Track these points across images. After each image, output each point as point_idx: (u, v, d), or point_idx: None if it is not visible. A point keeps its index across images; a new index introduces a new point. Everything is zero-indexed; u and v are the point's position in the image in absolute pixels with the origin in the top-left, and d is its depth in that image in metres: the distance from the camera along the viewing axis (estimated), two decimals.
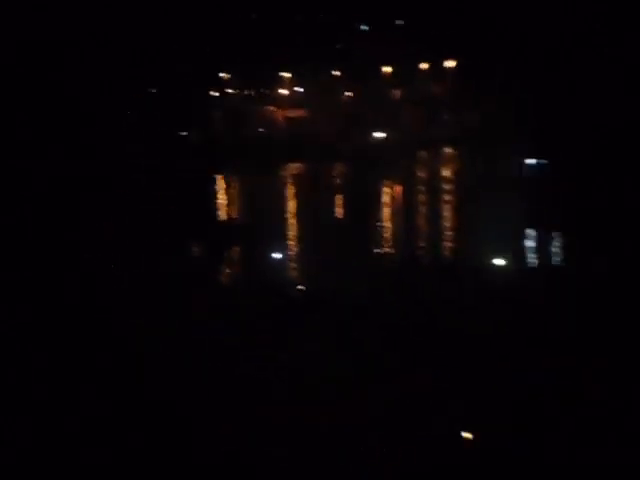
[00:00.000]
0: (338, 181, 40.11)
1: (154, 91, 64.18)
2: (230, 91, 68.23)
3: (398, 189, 35.44)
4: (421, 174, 41.39)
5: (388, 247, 23.22)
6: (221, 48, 57.14)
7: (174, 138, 55.32)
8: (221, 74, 65.71)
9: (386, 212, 29.48)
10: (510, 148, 34.04)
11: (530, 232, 22.30)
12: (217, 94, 67.28)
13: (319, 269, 19.31)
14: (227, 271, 20.41)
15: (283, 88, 66.15)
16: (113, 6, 54.24)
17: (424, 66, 62.07)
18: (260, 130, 61.71)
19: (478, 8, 56.76)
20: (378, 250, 22.63)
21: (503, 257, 17.90)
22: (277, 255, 20.53)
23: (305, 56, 57.60)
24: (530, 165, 29.67)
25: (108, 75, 57.16)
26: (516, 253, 19.48)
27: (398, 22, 62.23)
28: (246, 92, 68.02)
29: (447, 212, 28.48)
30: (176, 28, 56.93)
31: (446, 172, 41.73)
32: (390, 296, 15.36)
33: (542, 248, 21.04)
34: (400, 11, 60.88)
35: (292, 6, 56.42)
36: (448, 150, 51.87)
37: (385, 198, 33.06)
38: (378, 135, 55.01)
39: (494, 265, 17.72)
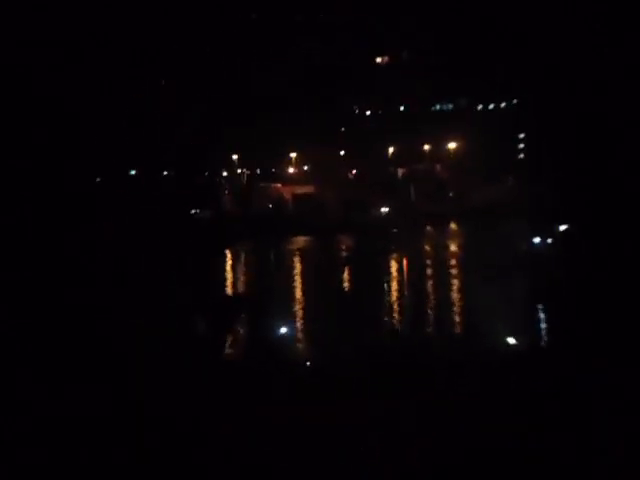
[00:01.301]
0: (344, 255, 40.50)
1: (165, 173, 67.19)
2: (239, 170, 71.03)
3: (404, 263, 35.65)
4: (427, 248, 41.77)
5: (395, 322, 23.00)
6: (230, 130, 60.18)
7: (185, 216, 57.00)
8: (232, 155, 68.76)
9: (393, 286, 29.47)
10: (515, 225, 34.59)
11: (539, 309, 22.14)
12: (226, 173, 70.03)
13: (326, 344, 19.06)
14: (232, 344, 20.17)
15: (290, 167, 68.80)
16: (125, 91, 57.69)
17: (427, 147, 64.81)
18: (269, 206, 63.44)
19: (477, 87, 60.02)
20: (386, 325, 22.40)
21: (514, 336, 17.62)
22: (284, 329, 20.35)
23: (311, 137, 60.42)
24: (535, 243, 29.96)
25: (123, 157, 59.93)
26: (526, 331, 19.20)
27: (401, 107, 65.82)
28: (255, 171, 70.73)
29: (454, 287, 28.41)
30: (187, 108, 60.28)
31: (452, 246, 42.12)
32: (396, 374, 15.04)
33: (550, 324, 20.79)
34: (401, 95, 64.51)
35: (299, 89, 59.91)
36: (453, 225, 52.69)
37: (392, 271, 33.18)
38: (383, 210, 56.23)
39: (506, 344, 17.42)
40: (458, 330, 21.20)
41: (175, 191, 60.34)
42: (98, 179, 60.24)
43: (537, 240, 30.14)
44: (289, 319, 22.18)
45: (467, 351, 17.56)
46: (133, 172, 66.15)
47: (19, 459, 9.72)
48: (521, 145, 59.42)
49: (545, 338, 20.19)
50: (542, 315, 22.06)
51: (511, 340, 17.62)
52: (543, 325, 21.27)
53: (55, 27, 51.17)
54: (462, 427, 10.60)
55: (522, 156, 58.97)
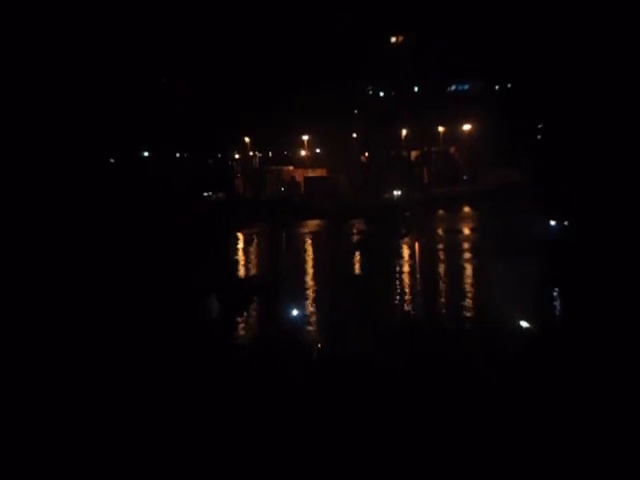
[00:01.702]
0: (356, 238, 40.35)
1: (179, 155, 67.34)
2: (252, 153, 70.85)
3: (417, 246, 35.41)
4: (440, 232, 41.42)
5: (408, 305, 22.91)
6: (244, 113, 59.89)
7: (198, 198, 57.20)
8: (244, 138, 68.54)
9: (405, 269, 29.32)
10: (531, 209, 34.07)
11: (553, 293, 21.86)
12: (238, 156, 69.90)
13: (339, 327, 19.06)
14: (244, 326, 20.27)
15: (302, 149, 68.37)
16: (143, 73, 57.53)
17: (441, 129, 63.87)
18: (281, 189, 63.34)
19: (493, 69, 58.75)
20: (398, 309, 22.33)
21: (527, 319, 17.44)
22: (295, 312, 20.39)
23: (324, 119, 59.89)
24: (552, 226, 29.48)
25: (136, 138, 60.02)
26: (540, 315, 18.99)
27: (415, 88, 64.78)
28: (267, 153, 70.55)
29: (467, 270, 28.18)
30: (200, 90, 60.06)
31: (465, 230, 41.71)
32: (410, 356, 14.97)
33: (564, 308, 20.53)
34: (415, 76, 63.38)
35: (312, 71, 59.23)
36: (466, 209, 52.12)
37: (404, 255, 33.00)
38: (395, 193, 55.79)
39: (519, 327, 17.25)
40: (471, 314, 21.06)
41: (188, 173, 60.53)
42: (112, 160, 60.63)
43: (553, 223, 29.66)
44: (300, 302, 22.20)
45: (480, 336, 17.45)
46: (146, 154, 66.40)
47: (25, 453, 9.78)
48: (539, 125, 58.22)
49: (558, 322, 19.97)
50: (556, 299, 21.80)
51: (524, 324, 17.46)
52: (557, 309, 21.03)
53: (66, 12, 51.10)
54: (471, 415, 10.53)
55: (539, 137, 57.85)
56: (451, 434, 10.01)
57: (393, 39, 67.15)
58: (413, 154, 66.09)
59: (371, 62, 61.81)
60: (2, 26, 45.65)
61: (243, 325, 20.23)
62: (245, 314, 21.41)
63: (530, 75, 56.99)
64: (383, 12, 60.07)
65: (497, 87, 62.86)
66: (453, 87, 64.81)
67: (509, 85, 62.05)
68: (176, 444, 9.97)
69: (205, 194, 61.18)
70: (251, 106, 59.54)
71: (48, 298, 20.69)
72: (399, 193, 55.80)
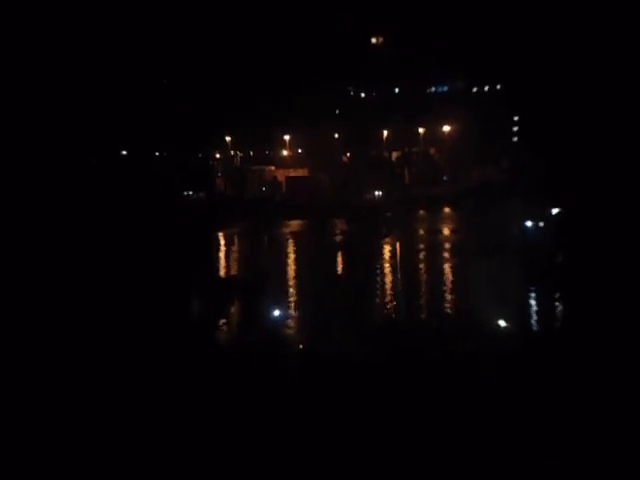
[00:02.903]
0: (338, 238, 40.49)
1: (157, 154, 66.59)
2: (233, 153, 70.46)
3: (398, 246, 35.71)
4: (420, 232, 41.81)
5: (389, 305, 23.10)
6: (224, 112, 59.56)
7: (178, 198, 56.65)
8: (225, 137, 68.14)
9: (387, 269, 29.55)
10: (508, 208, 34.64)
11: (530, 292, 22.29)
12: (219, 156, 69.46)
13: (320, 327, 19.13)
14: (225, 328, 20.21)
15: (284, 149, 68.28)
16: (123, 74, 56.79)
17: (421, 130, 64.46)
18: (262, 189, 63.17)
19: (472, 71, 59.58)
20: (379, 309, 22.51)
21: (505, 319, 17.75)
22: (277, 312, 20.39)
23: (306, 119, 59.91)
24: (528, 226, 30.05)
25: (115, 137, 59.19)
26: (517, 314, 19.35)
27: (396, 90, 65.27)
28: (249, 153, 70.24)
29: (447, 270, 28.53)
30: (181, 91, 59.55)
31: (445, 230, 42.18)
32: (390, 355, 15.12)
33: (542, 309, 20.96)
34: (396, 77, 63.88)
35: (293, 72, 59.21)
36: (446, 209, 52.71)
37: (385, 255, 33.24)
38: (377, 193, 56.15)
39: (497, 327, 17.56)
40: (450, 313, 21.36)
41: (168, 172, 59.89)
42: (92, 160, 59.65)
43: (529, 223, 30.23)
44: (282, 302, 22.22)
45: (458, 335, 17.70)
46: (124, 152, 65.48)
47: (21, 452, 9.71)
48: (515, 128, 59.28)
49: (535, 321, 20.38)
50: (533, 298, 22.24)
51: (502, 323, 17.77)
52: (534, 308, 21.46)
53: (53, 14, 50.25)
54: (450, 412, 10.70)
55: (516, 139, 58.89)
56: (431, 430, 10.16)
57: (374, 40, 67.54)
58: (394, 155, 66.57)
59: (352, 63, 62.06)
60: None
61: (225, 326, 20.16)
62: (227, 315, 21.33)
63: (508, 77, 57.95)
64: (364, 14, 60.41)
65: (475, 89, 63.75)
66: (432, 89, 65.51)
67: (486, 87, 62.98)
68: (160, 448, 9.93)
69: (185, 193, 60.64)
70: (233, 105, 59.26)
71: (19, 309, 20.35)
72: (380, 193, 56.17)
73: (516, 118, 58.64)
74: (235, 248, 39.77)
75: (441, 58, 57.10)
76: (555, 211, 30.23)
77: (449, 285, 25.31)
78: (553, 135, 43.56)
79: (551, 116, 44.51)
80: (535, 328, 19.54)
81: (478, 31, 52.73)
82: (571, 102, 41.44)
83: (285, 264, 31.61)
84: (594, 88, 38.82)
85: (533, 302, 21.73)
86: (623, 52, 37.03)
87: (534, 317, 20.56)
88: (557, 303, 21.19)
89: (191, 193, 61.10)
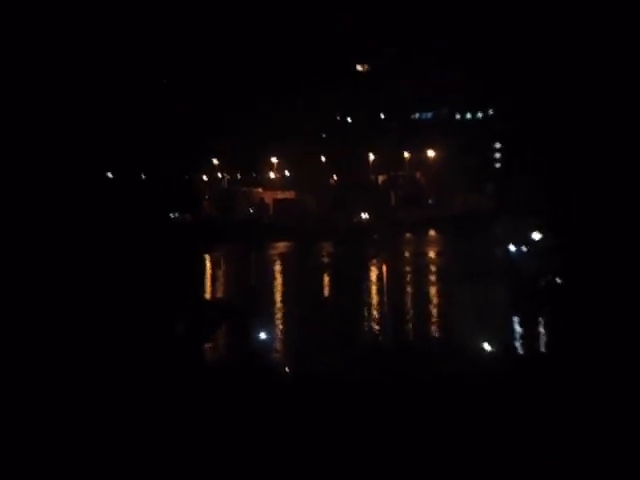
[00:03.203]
0: (325, 260, 40.64)
1: (144, 177, 66.51)
2: (220, 174, 70.76)
3: (385, 269, 35.96)
4: (407, 255, 42.17)
5: (375, 328, 23.17)
6: (212, 134, 59.96)
7: (164, 220, 56.43)
8: (212, 159, 68.48)
9: (374, 291, 29.68)
10: (493, 233, 35.18)
11: (515, 316, 22.57)
12: (206, 177, 69.70)
13: (307, 350, 19.09)
14: (211, 351, 20.06)
15: (271, 171, 68.81)
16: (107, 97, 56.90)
17: (407, 155, 65.61)
18: (249, 211, 63.31)
19: (455, 99, 61.04)
20: (366, 332, 22.56)
21: (490, 342, 17.94)
22: (263, 336, 20.34)
23: (292, 143, 60.61)
24: (512, 251, 30.56)
25: (100, 159, 59.07)
26: (502, 338, 19.55)
27: (381, 115, 66.57)
28: (235, 175, 70.59)
29: (433, 293, 28.76)
30: (167, 110, 59.82)
31: (431, 253, 42.60)
32: (377, 377, 15.15)
33: (527, 333, 21.19)
34: (382, 103, 65.20)
35: (281, 96, 60.05)
36: (432, 232, 53.33)
37: (372, 277, 33.42)
38: (363, 216, 56.65)
39: (482, 350, 17.72)
40: (436, 336, 21.49)
41: (154, 194, 59.75)
42: (74, 181, 59.28)
43: (512, 248, 30.73)
44: (269, 325, 22.15)
45: (445, 358, 17.81)
46: (110, 175, 65.30)
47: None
48: (497, 155, 60.61)
49: (520, 345, 20.58)
50: (518, 322, 22.49)
51: (487, 346, 17.95)
52: (519, 332, 21.68)
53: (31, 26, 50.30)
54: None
55: (498, 165, 60.14)
56: (424, 450, 10.17)
57: (359, 67, 69.04)
58: (380, 178, 67.43)
59: (338, 87, 63.23)
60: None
61: (211, 349, 20.01)
62: (213, 337, 21.18)
63: (490, 106, 59.44)
64: (350, 39, 61.81)
65: (458, 116, 65.26)
66: (417, 115, 66.93)
67: (469, 115, 64.49)
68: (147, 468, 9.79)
69: (172, 215, 60.46)
70: (219, 128, 59.73)
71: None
72: (367, 216, 56.65)
73: (498, 145, 60.05)
74: (221, 270, 39.65)
75: (426, 85, 58.50)
76: (538, 236, 30.80)
77: (435, 308, 25.49)
78: (544, 152, 44.08)
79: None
80: (520, 351, 19.73)
81: (462, 59, 54.06)
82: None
83: (272, 286, 31.59)
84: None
85: (518, 326, 21.98)
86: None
87: (519, 340, 20.77)
88: (542, 327, 21.47)
89: (177, 215, 60.95)
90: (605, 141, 35.93)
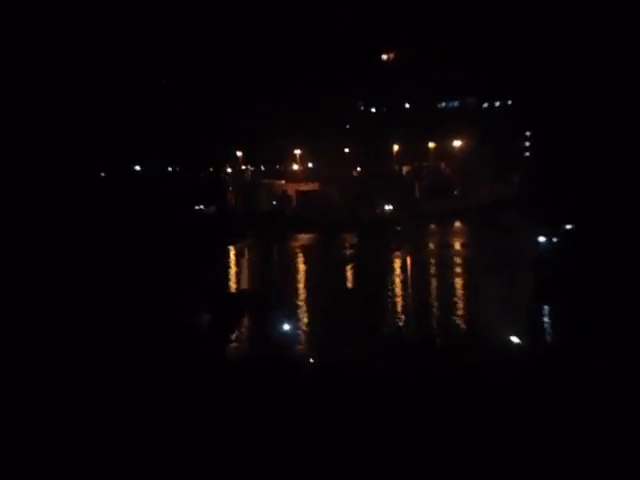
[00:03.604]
0: (348, 252, 40.46)
1: (171, 169, 67.38)
2: (244, 167, 71.09)
3: (408, 261, 35.59)
4: (431, 246, 41.67)
5: (399, 321, 22.97)
6: (236, 127, 60.20)
7: (190, 212, 57.16)
8: (236, 151, 68.84)
9: (397, 283, 29.43)
10: (521, 224, 34.38)
11: (544, 309, 22.05)
12: (230, 170, 70.15)
13: (330, 341, 19.07)
14: (236, 341, 20.20)
15: (294, 163, 68.76)
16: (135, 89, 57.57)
17: (432, 145, 64.64)
18: (272, 203, 63.47)
19: (483, 87, 59.80)
20: (390, 325, 22.39)
21: (514, 336, 17.55)
22: (287, 327, 20.38)
23: (316, 134, 60.34)
24: (541, 243, 29.82)
25: (128, 153, 59.99)
26: (530, 330, 19.12)
27: (406, 105, 65.68)
28: (259, 167, 70.82)
29: (458, 285, 28.35)
30: (192, 105, 60.30)
31: (457, 245, 41.99)
32: (400, 369, 15.01)
33: (555, 324, 20.70)
34: (406, 92, 64.29)
35: (305, 87, 59.81)
36: (457, 224, 52.53)
37: (396, 269, 33.14)
38: (387, 208, 56.15)
39: (509, 343, 17.37)
40: (461, 329, 21.19)
41: (180, 187, 60.50)
42: (102, 174, 60.48)
43: (542, 239, 30.01)
44: (293, 316, 22.19)
45: (470, 351, 17.53)
46: (138, 168, 66.34)
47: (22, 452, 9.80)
48: (527, 143, 59.15)
49: (549, 338, 20.13)
50: (547, 315, 21.99)
51: (515, 339, 17.58)
52: (547, 325, 21.20)
53: (57, 23, 51.00)
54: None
55: (528, 154, 58.71)
56: (440, 443, 10.05)
57: (384, 56, 68.13)
58: (404, 169, 66.65)
59: (363, 78, 62.56)
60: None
61: (235, 340, 20.16)
62: (238, 328, 21.33)
63: (518, 94, 58.02)
64: (375, 28, 61.05)
65: (486, 104, 63.86)
66: (443, 104, 65.74)
67: (497, 103, 63.06)
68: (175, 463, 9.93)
69: (197, 208, 61.12)
70: (243, 120, 59.91)
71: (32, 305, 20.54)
72: (391, 208, 56.12)
73: (528, 133, 58.56)
74: (245, 262, 39.89)
75: (453, 73, 57.41)
76: (568, 227, 29.97)
77: (460, 300, 25.13)
78: (564, 145, 43.25)
79: (559, 121, 44.10)
80: (547, 344, 19.28)
81: (489, 47, 52.94)
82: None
83: (295, 278, 31.63)
84: (603, 105, 38.57)
85: (546, 319, 21.48)
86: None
87: (547, 333, 20.30)
88: (571, 320, 20.93)
89: (202, 207, 61.59)
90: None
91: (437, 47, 58.69)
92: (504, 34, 51.32)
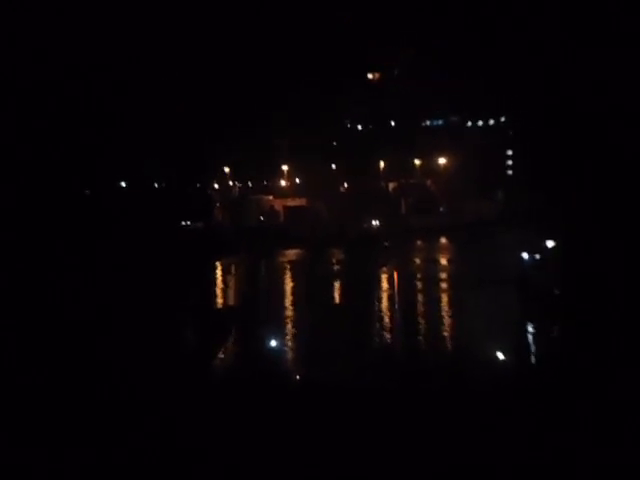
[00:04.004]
0: (335, 267, 40.61)
1: (156, 185, 67.23)
2: (231, 183, 71.23)
3: (395, 276, 35.82)
4: (417, 261, 41.99)
5: (386, 335, 23.09)
6: (222, 142, 60.41)
7: (176, 228, 56.94)
8: (223, 167, 69.00)
9: (384, 298, 29.58)
10: (504, 240, 34.87)
11: (528, 325, 22.32)
12: (217, 186, 70.23)
13: (317, 357, 19.09)
14: (222, 358, 20.13)
15: (282, 179, 69.11)
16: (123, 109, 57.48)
17: (418, 162, 65.55)
18: (260, 218, 63.55)
19: (467, 106, 60.85)
20: (377, 338, 22.49)
21: (499, 351, 17.75)
22: (274, 343, 20.37)
23: (304, 151, 60.86)
24: (525, 258, 30.27)
25: (113, 168, 59.71)
26: (515, 347, 19.33)
27: (392, 122, 66.66)
28: (247, 183, 71.01)
29: (444, 301, 28.59)
30: (178, 120, 60.38)
31: (443, 261, 42.38)
32: (387, 385, 15.08)
33: (538, 340, 20.95)
34: (392, 111, 65.28)
35: (292, 104, 60.37)
36: (443, 239, 53.10)
37: (383, 284, 33.31)
38: (374, 223, 56.58)
39: (495, 359, 17.55)
40: (447, 344, 21.36)
41: (166, 203, 60.30)
42: (87, 191, 60.09)
43: (525, 256, 30.47)
44: (279, 332, 22.18)
45: (456, 365, 17.68)
46: (123, 184, 66.06)
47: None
48: (509, 162, 60.23)
49: (533, 354, 20.35)
50: (531, 332, 22.25)
51: (500, 356, 17.78)
52: (532, 341, 21.45)
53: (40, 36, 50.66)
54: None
55: (510, 172, 59.73)
56: (432, 461, 10.12)
57: (370, 76, 69.25)
58: (391, 185, 67.38)
59: (349, 96, 63.44)
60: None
61: (222, 356, 20.07)
62: (224, 345, 21.25)
63: (502, 112, 59.19)
64: (362, 47, 62.06)
65: (469, 123, 65.09)
66: (428, 122, 66.86)
67: (480, 122, 64.24)
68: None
69: (183, 223, 60.93)
70: (230, 137, 60.17)
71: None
72: (377, 223, 56.55)
73: (510, 152, 59.67)
74: (233, 277, 39.80)
75: (437, 93, 58.45)
76: (551, 243, 30.47)
77: (446, 316, 25.33)
78: (549, 160, 43.77)
79: (543, 149, 44.88)
80: (533, 361, 19.48)
81: (473, 67, 53.88)
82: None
83: (283, 293, 31.63)
84: (586, 124, 39.26)
85: (530, 335, 21.72)
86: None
87: (533, 350, 20.51)
88: (556, 336, 21.20)
89: (189, 223, 61.41)
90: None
91: (421, 66, 59.77)
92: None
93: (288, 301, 30.02)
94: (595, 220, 31.82)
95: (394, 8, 57.85)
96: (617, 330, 19.06)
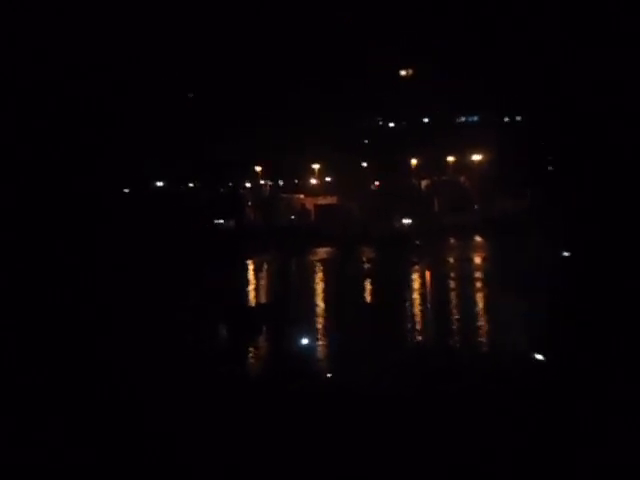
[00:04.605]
0: (366, 266, 40.34)
1: (191, 185, 68.45)
2: (262, 182, 71.83)
3: (428, 275, 35.30)
4: (451, 260, 41.29)
5: (419, 335, 22.75)
6: (254, 142, 60.98)
7: (209, 226, 57.87)
8: (255, 166, 69.63)
9: (416, 298, 29.18)
10: (540, 239, 33.87)
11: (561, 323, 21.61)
12: (249, 185, 70.92)
13: (348, 357, 18.96)
14: (254, 356, 20.24)
15: (313, 178, 69.17)
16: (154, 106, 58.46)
17: (451, 159, 64.45)
18: (291, 217, 63.85)
19: (503, 102, 59.48)
20: (409, 338, 22.18)
21: (535, 356, 17.20)
22: (305, 341, 20.34)
23: (335, 149, 60.76)
24: (564, 257, 29.25)
25: (150, 169, 61.06)
26: (551, 346, 18.74)
27: (425, 119, 65.78)
28: (278, 182, 71.44)
29: (479, 301, 27.98)
30: (212, 121, 61.20)
31: (477, 259, 41.55)
32: (419, 387, 14.82)
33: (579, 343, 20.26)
34: (425, 107, 64.40)
35: (324, 102, 60.35)
36: (477, 238, 52.05)
37: (415, 284, 32.89)
38: (406, 222, 56.00)
39: (532, 359, 17.02)
40: (482, 345, 20.86)
41: (200, 202, 61.36)
42: (126, 190, 61.69)
43: (562, 254, 29.50)
44: (311, 331, 22.15)
45: (491, 368, 17.24)
46: (160, 184, 67.61)
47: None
48: (549, 157, 58.48)
49: (569, 355, 19.69)
50: (564, 330, 21.53)
51: (538, 356, 17.25)
52: (566, 341, 20.74)
53: (75, 34, 51.57)
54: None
55: (550, 168, 58.03)
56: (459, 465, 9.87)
57: (403, 72, 68.49)
58: (423, 183, 66.51)
59: (381, 93, 62.92)
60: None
61: (253, 354, 20.19)
62: (255, 343, 21.38)
63: (541, 108, 57.58)
64: (393, 44, 61.41)
65: (507, 119, 63.57)
66: (462, 118, 65.68)
67: (518, 117, 62.69)
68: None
69: (216, 222, 61.84)
70: (263, 136, 60.64)
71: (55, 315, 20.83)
72: (409, 221, 55.91)
73: (549, 151, 57.94)
74: (264, 276, 40.06)
75: (472, 88, 57.31)
76: (591, 241, 29.37)
77: (481, 317, 24.77)
78: (588, 170, 42.57)
79: (588, 151, 43.42)
80: (571, 364, 18.84)
81: (510, 62, 52.61)
82: (611, 137, 40.29)
83: (314, 292, 31.62)
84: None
85: (568, 337, 21.02)
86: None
87: (566, 350, 19.85)
88: (592, 338, 20.45)
89: (222, 222, 62.29)
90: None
91: (455, 61, 58.72)
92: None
93: (319, 299, 29.98)
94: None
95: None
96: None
